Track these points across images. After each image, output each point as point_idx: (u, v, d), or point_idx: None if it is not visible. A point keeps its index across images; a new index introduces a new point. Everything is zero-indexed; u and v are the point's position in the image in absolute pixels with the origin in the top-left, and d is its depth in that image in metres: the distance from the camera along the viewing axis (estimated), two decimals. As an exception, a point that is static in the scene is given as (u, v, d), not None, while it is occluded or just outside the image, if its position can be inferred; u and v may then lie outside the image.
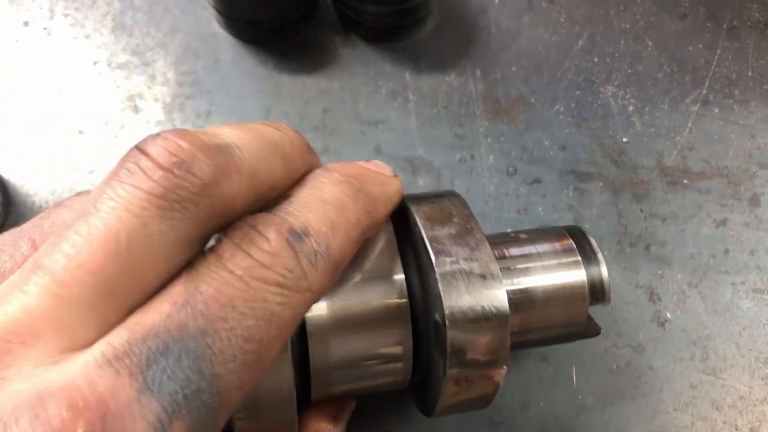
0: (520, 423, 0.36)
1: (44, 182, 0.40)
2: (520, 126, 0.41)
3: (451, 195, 0.29)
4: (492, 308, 0.25)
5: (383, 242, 0.27)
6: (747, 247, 0.39)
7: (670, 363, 0.37)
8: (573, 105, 0.41)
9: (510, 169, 0.40)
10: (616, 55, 0.42)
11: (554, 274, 0.29)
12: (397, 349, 0.26)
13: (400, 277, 0.26)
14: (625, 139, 0.40)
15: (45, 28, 0.43)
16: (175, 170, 0.19)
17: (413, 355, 0.27)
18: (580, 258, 0.29)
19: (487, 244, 0.26)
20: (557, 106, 0.41)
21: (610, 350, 0.37)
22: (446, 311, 0.24)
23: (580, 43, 0.42)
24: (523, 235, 0.30)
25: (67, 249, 0.18)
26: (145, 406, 0.17)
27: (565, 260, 0.29)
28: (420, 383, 0.29)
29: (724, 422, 0.36)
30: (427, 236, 0.26)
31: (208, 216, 0.20)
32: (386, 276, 0.26)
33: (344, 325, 0.25)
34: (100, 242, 0.18)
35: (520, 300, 0.28)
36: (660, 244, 0.39)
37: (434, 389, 0.27)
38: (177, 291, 0.19)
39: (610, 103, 0.41)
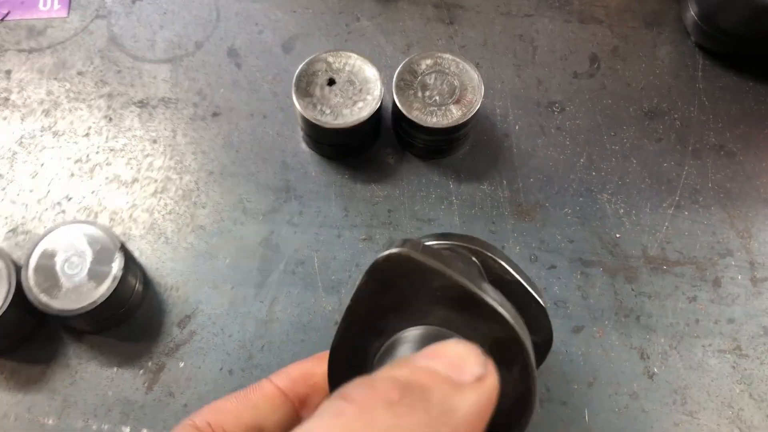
0: (546, 452, 0.47)
1: (174, 268, 0.51)
2: (538, 224, 0.53)
3: None
4: None
5: None
6: (712, 317, 0.51)
7: (657, 407, 0.49)
8: (577, 208, 0.54)
9: (532, 257, 0.52)
10: (609, 170, 0.55)
11: None
12: None
13: None
14: (618, 235, 0.53)
15: (170, 145, 0.55)
16: None
17: None
18: None
19: None
20: (566, 209, 0.54)
21: (613, 397, 0.49)
22: None
23: (582, 160, 0.56)
24: None
25: None
26: None
27: None
28: None
29: (700, 452, 0.48)
30: None
31: None
32: None
33: None
34: None
35: None
36: (647, 316, 0.51)
37: None
38: None
39: (606, 207, 0.54)
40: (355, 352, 0.32)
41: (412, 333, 0.31)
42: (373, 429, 0.21)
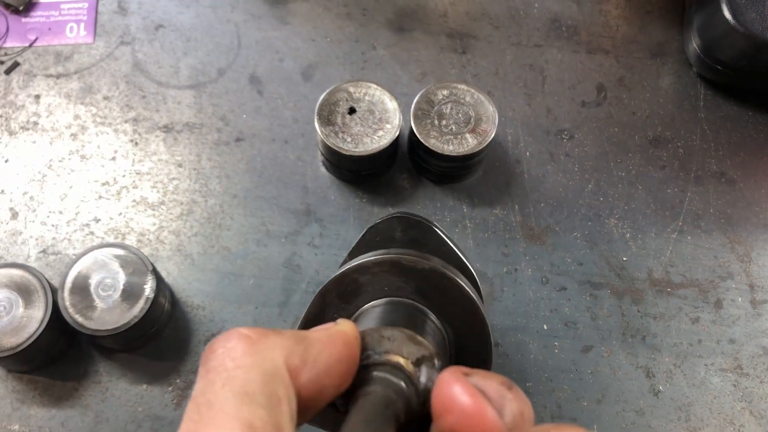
0: (557, 467, 0.49)
1: (201, 288, 0.53)
2: (549, 247, 0.56)
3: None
4: None
5: None
6: (714, 338, 0.54)
7: (663, 423, 0.51)
8: (586, 232, 0.56)
9: (543, 279, 0.55)
10: (616, 195, 0.58)
11: None
12: None
13: None
14: (624, 258, 0.56)
15: (195, 169, 0.57)
16: None
17: None
18: None
19: None
20: (575, 233, 0.56)
21: (620, 414, 0.51)
22: None
23: (590, 186, 0.58)
24: None
25: None
26: None
27: None
28: None
29: (703, 467, 0.50)
30: None
31: None
32: None
33: None
34: None
35: None
36: (652, 336, 0.53)
37: None
38: None
39: (613, 232, 0.57)
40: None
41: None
42: None
